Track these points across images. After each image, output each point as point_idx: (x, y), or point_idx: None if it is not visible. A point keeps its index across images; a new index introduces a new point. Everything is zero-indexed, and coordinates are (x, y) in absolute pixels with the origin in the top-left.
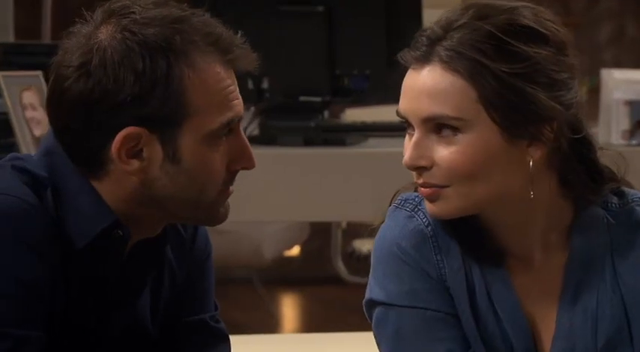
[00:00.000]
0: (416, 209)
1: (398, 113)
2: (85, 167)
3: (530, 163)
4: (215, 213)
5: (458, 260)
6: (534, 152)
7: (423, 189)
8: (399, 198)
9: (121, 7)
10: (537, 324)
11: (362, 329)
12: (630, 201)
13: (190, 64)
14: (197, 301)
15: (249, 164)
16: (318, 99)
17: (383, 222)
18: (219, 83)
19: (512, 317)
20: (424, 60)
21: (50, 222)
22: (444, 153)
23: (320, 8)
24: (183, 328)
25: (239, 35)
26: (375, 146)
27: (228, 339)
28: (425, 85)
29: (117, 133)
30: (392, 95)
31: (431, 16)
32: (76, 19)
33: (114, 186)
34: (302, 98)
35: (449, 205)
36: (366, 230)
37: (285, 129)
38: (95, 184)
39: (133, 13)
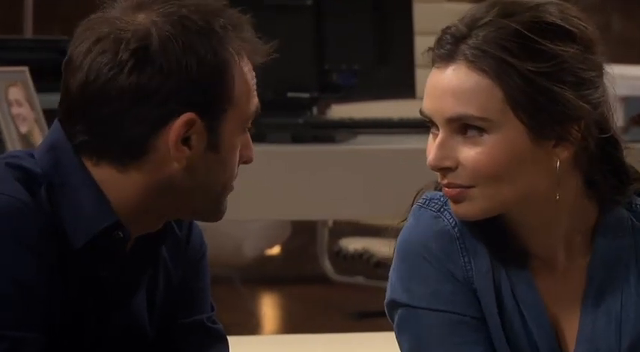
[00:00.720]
0: (442, 209)
1: (421, 112)
2: (111, 160)
3: (557, 164)
4: (221, 207)
5: (486, 261)
6: (561, 152)
7: (447, 189)
8: (423, 197)
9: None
10: (561, 326)
11: (344, 330)
12: None
13: (237, 53)
14: (193, 302)
15: (249, 158)
16: (306, 95)
17: (405, 221)
18: (251, 73)
19: (537, 318)
20: (449, 59)
21: (45, 219)
22: (469, 153)
23: (308, 2)
24: (180, 329)
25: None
26: (365, 143)
27: (226, 340)
28: (450, 84)
29: (169, 120)
30: (381, 91)
31: (421, 11)
32: (101, 4)
33: (142, 176)
34: (290, 94)
35: (474, 206)
36: (352, 228)
37: (273, 126)
38: (110, 177)
39: (171, 2)
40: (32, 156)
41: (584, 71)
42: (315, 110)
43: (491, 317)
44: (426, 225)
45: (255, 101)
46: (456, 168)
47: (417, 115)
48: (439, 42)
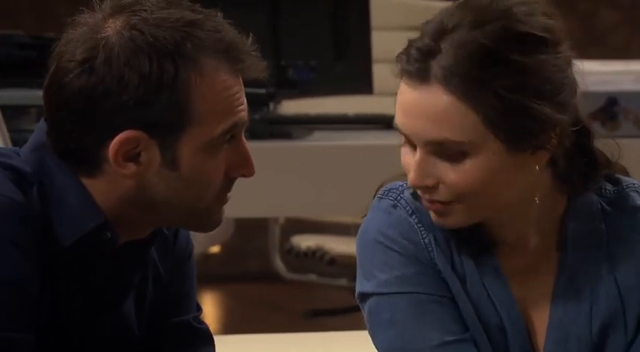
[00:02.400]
0: (399, 197)
1: (396, 127)
2: (78, 165)
3: (537, 167)
4: (209, 219)
5: (444, 245)
6: (540, 157)
7: (429, 204)
8: (382, 189)
9: (132, 3)
10: (531, 311)
11: (294, 330)
12: (625, 187)
13: (198, 71)
14: (180, 302)
15: (248, 172)
16: (262, 90)
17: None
18: (225, 91)
19: (506, 305)
20: (420, 78)
21: (37, 220)
22: (449, 173)
23: None
24: (167, 329)
25: (250, 40)
26: (321, 139)
27: (213, 340)
28: (425, 107)
29: (115, 134)
30: (338, 86)
31: (378, 6)
32: (82, 9)
33: (107, 186)
34: (246, 90)
35: (456, 219)
36: (304, 225)
37: None
38: (87, 182)
39: (144, 11)
40: (18, 155)
41: (556, 74)
42: (272, 106)
43: (460, 298)
44: (383, 213)
45: (232, 115)
46: (437, 185)
47: (375, 111)
48: (407, 56)
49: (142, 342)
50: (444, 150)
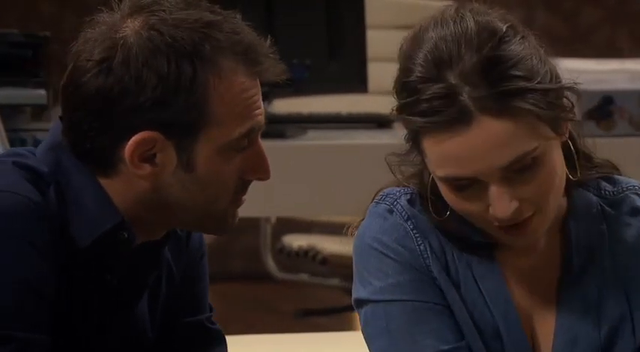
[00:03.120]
0: (395, 202)
1: (445, 178)
2: (94, 165)
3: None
4: (223, 222)
5: (440, 251)
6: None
7: (506, 227)
8: (380, 194)
9: (151, 3)
10: (533, 316)
11: (285, 330)
12: (625, 188)
13: (216, 73)
14: (193, 302)
15: (264, 175)
16: None
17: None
18: (243, 93)
19: (504, 310)
20: (461, 121)
21: (54, 220)
22: (530, 188)
23: None
24: (180, 330)
25: (268, 42)
26: (315, 139)
27: (225, 341)
28: (487, 141)
29: (132, 135)
30: (333, 85)
31: (373, 4)
32: (100, 8)
33: (123, 187)
34: None
35: (536, 232)
36: (296, 225)
37: None
38: (103, 182)
39: (163, 11)
40: (34, 154)
41: (547, 61)
42: (265, 105)
43: (455, 305)
44: (378, 219)
45: (250, 119)
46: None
47: (369, 110)
48: (426, 109)
49: (155, 343)
50: (518, 168)
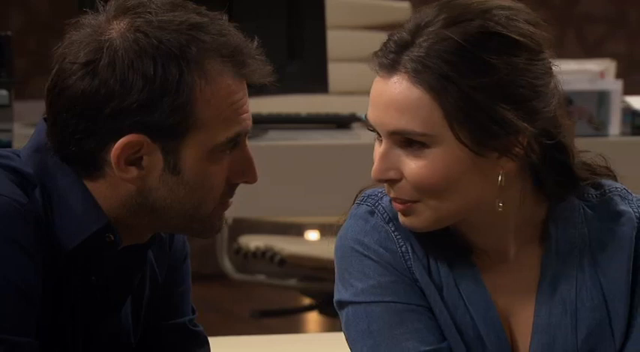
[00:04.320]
0: (376, 204)
1: (366, 120)
2: (79, 167)
3: (500, 175)
4: (210, 225)
5: (421, 253)
6: (505, 163)
7: (396, 203)
8: (362, 194)
9: (137, 5)
10: (512, 319)
11: (240, 331)
12: (608, 191)
13: (203, 75)
14: (176, 305)
15: (251, 179)
16: None
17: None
18: (230, 97)
19: (484, 314)
20: (391, 69)
21: (40, 222)
22: (411, 166)
23: None
24: (163, 332)
25: (255, 44)
26: (276, 139)
27: (208, 343)
28: (391, 97)
29: (117, 138)
30: (293, 85)
31: (333, 4)
32: (86, 10)
33: (109, 190)
34: None
35: (421, 219)
36: (251, 225)
37: None
38: (89, 184)
39: (149, 13)
40: (18, 156)
41: (528, 82)
42: None
43: (437, 306)
44: (360, 220)
45: (237, 124)
46: (400, 179)
47: (329, 110)
48: (383, 49)
49: (137, 346)
50: (407, 142)
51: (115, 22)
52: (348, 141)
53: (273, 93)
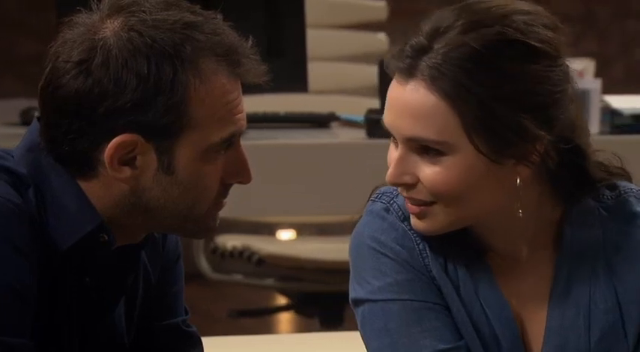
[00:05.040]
0: (392, 201)
1: (383, 123)
2: (72, 166)
3: (518, 181)
4: (204, 225)
5: (438, 251)
6: (522, 170)
7: (410, 205)
8: (377, 192)
9: (130, 4)
10: (526, 320)
11: (218, 332)
12: (623, 192)
13: (197, 75)
14: (169, 305)
15: (245, 179)
16: None
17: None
18: (225, 96)
19: (499, 315)
20: (408, 74)
21: (34, 222)
22: (427, 172)
23: None
24: (156, 333)
25: (249, 43)
26: (254, 138)
27: (201, 343)
28: (408, 103)
29: (111, 137)
30: (273, 84)
31: (313, 3)
32: (79, 8)
33: (102, 189)
34: None
35: (435, 222)
36: (228, 225)
37: None
38: (82, 184)
39: (143, 12)
40: (12, 156)
41: (546, 89)
42: None
43: (454, 305)
44: (376, 218)
45: (231, 124)
46: (416, 184)
47: (309, 109)
48: (400, 53)
49: (130, 347)
50: (424, 149)
51: (108, 21)
52: (327, 140)
53: (252, 92)
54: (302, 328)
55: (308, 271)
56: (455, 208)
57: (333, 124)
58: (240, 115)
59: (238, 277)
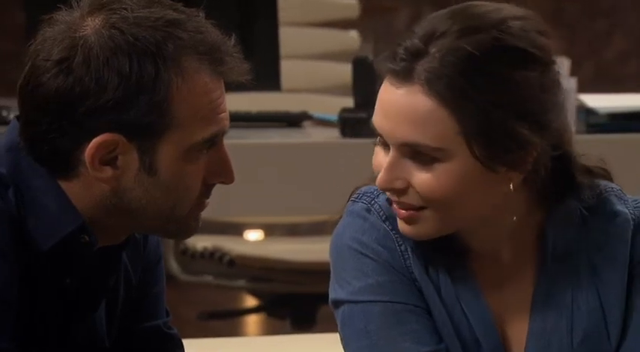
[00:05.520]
0: (372, 202)
1: (373, 126)
2: (52, 166)
3: (511, 187)
4: (186, 226)
5: (419, 252)
6: (514, 177)
7: (399, 210)
8: (357, 192)
9: (112, 1)
10: (508, 323)
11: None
12: (604, 191)
13: (180, 73)
14: (150, 307)
15: (227, 179)
16: None
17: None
18: (208, 95)
19: (479, 317)
20: (403, 77)
21: (14, 223)
22: (420, 178)
23: None
24: (138, 335)
25: (232, 41)
26: (226, 137)
27: (183, 346)
28: (404, 107)
29: (92, 137)
30: (245, 82)
31: (286, 2)
32: (59, 5)
33: (83, 190)
34: None
35: (424, 228)
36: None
37: None
38: (63, 184)
39: (124, 9)
40: None
41: (542, 95)
42: None
43: (435, 307)
44: (357, 218)
45: (214, 123)
46: (407, 189)
47: (282, 108)
48: (394, 55)
49: (113, 348)
50: (417, 154)
51: (89, 19)
52: (299, 139)
53: (226, 90)
54: (273, 330)
55: (280, 272)
56: (445, 214)
57: (306, 123)
58: (223, 115)
59: (208, 278)
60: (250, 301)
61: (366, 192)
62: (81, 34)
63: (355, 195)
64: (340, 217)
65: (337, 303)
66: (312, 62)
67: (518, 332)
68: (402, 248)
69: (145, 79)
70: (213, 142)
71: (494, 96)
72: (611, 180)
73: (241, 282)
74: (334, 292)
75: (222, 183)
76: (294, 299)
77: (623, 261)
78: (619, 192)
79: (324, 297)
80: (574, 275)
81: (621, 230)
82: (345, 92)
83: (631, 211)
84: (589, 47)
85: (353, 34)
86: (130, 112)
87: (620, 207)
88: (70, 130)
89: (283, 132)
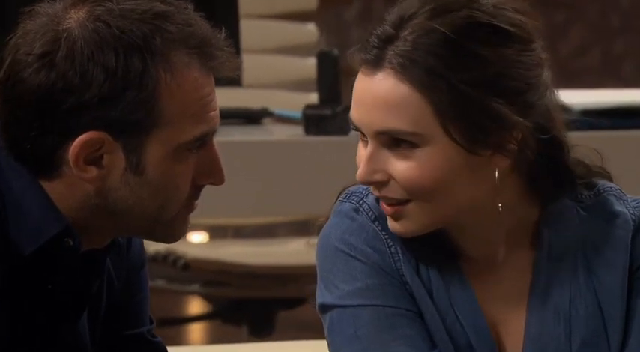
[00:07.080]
0: (361, 202)
1: (350, 120)
2: (34, 166)
3: (496, 173)
4: (173, 229)
5: (410, 254)
6: (500, 161)
7: (385, 206)
8: (345, 192)
9: None
10: (503, 327)
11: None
12: (602, 191)
13: (168, 68)
14: (134, 314)
15: (217, 180)
16: None
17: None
18: (197, 92)
19: (472, 320)
20: (375, 65)
21: None
22: (400, 168)
23: None
24: (121, 343)
25: (223, 35)
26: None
27: None
28: (377, 95)
29: (76, 135)
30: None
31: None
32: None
33: (67, 191)
34: None
35: (412, 223)
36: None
37: None
38: (45, 185)
39: (110, 1)
40: None
41: (519, 73)
42: None
43: (427, 310)
44: (345, 219)
45: (204, 122)
46: (388, 181)
47: (243, 104)
48: (365, 44)
49: None
50: (396, 142)
51: (73, 11)
52: (259, 137)
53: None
54: (229, 337)
55: (236, 276)
56: (431, 206)
57: (266, 120)
58: (213, 113)
59: (161, 283)
60: (205, 306)
61: (355, 192)
62: (64, 26)
63: (343, 195)
64: (326, 219)
65: (325, 308)
66: (269, 56)
67: (514, 337)
68: (393, 249)
69: (132, 74)
70: (203, 141)
71: (468, 74)
72: (610, 180)
73: (195, 287)
74: (322, 296)
75: (212, 184)
76: (253, 304)
77: (623, 263)
78: (618, 192)
79: (282, 302)
80: (572, 278)
81: (620, 231)
82: (308, 88)
83: (631, 212)
84: (544, 42)
85: (310, 27)
86: (116, 109)
87: (619, 208)
88: (53, 128)
89: (243, 129)
